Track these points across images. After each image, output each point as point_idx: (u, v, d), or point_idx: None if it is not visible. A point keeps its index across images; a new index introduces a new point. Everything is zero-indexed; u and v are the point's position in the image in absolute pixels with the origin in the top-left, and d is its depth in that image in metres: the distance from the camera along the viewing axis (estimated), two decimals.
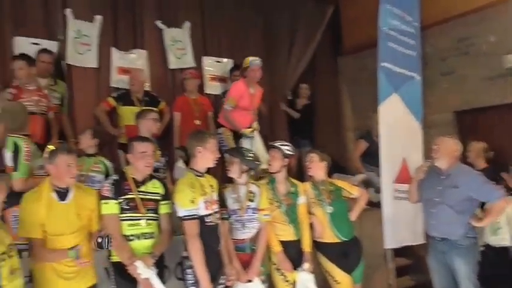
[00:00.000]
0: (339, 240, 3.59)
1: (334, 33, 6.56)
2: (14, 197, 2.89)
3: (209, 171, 3.14)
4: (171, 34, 5.27)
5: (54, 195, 2.72)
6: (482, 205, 3.58)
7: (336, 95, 6.63)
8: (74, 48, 4.68)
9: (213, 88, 5.48)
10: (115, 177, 2.99)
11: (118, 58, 4.93)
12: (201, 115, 4.92)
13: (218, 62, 5.58)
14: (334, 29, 6.51)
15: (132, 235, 2.87)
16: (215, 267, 2.96)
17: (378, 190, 4.54)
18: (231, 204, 3.27)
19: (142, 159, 2.92)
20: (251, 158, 3.31)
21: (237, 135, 4.49)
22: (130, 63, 4.97)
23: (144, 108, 4.29)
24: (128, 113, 4.49)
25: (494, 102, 4.92)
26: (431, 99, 5.19)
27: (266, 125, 5.47)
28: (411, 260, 5.04)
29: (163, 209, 3.01)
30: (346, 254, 3.58)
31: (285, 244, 3.44)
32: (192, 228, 2.87)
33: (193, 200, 2.88)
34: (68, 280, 2.68)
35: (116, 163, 4.10)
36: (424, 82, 4.90)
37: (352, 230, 3.70)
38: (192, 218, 2.87)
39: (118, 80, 4.88)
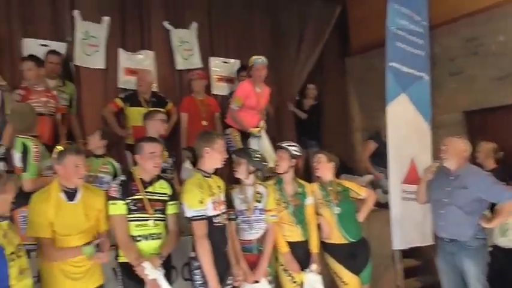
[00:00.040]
0: (346, 241, 3.57)
1: (342, 33, 6.54)
2: (22, 198, 2.91)
3: (216, 171, 3.14)
4: (178, 35, 5.29)
5: (63, 196, 2.73)
6: (492, 206, 3.54)
7: (344, 95, 6.60)
8: (82, 50, 4.71)
9: (220, 89, 5.48)
10: (122, 177, 2.98)
11: (125, 59, 4.95)
12: (208, 116, 4.93)
13: (225, 62, 5.58)
14: (341, 29, 6.48)
15: (139, 236, 2.86)
16: (223, 268, 2.95)
17: (385, 191, 4.52)
18: (238, 205, 3.27)
19: (151, 160, 2.91)
20: (258, 159, 3.31)
21: (245, 136, 4.49)
22: (137, 64, 4.99)
23: (152, 109, 4.30)
24: (135, 114, 4.51)
25: (503, 102, 4.87)
26: (440, 100, 5.15)
27: (273, 125, 5.47)
28: (419, 261, 5.01)
29: (171, 209, 3.01)
30: (354, 255, 3.56)
31: (292, 245, 3.43)
32: (200, 229, 2.87)
33: (201, 200, 2.88)
34: (76, 280, 2.69)
35: (123, 164, 4.11)
36: (432, 82, 4.86)
37: (360, 231, 3.68)
38: (200, 218, 2.87)
39: (125, 81, 4.91)
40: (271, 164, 3.72)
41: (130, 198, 2.86)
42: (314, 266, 3.42)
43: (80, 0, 4.76)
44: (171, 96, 4.98)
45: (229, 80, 5.53)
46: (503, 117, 4.98)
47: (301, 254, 3.44)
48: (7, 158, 3.40)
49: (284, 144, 3.63)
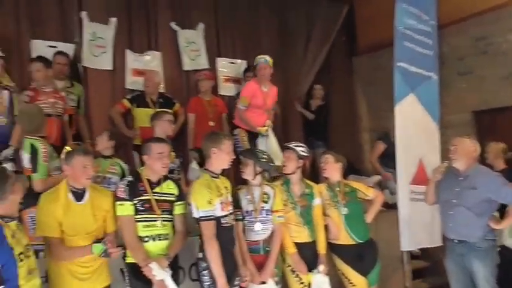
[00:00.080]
0: (354, 242, 3.55)
1: (349, 33, 6.52)
2: (30, 198, 2.93)
3: (223, 172, 3.14)
4: (185, 35, 5.29)
5: (71, 196, 2.74)
6: (502, 207, 3.50)
7: (351, 95, 6.58)
8: (90, 51, 4.73)
9: (227, 89, 5.48)
10: (130, 178, 2.98)
11: (133, 60, 4.97)
12: (215, 116, 4.93)
13: (232, 63, 5.58)
14: (348, 29, 6.46)
15: (147, 236, 2.86)
16: (230, 269, 2.95)
17: (393, 192, 4.49)
18: (245, 205, 3.25)
19: (159, 160, 2.91)
20: (265, 160, 3.29)
21: (253, 137, 4.48)
22: (144, 65, 5.00)
23: (159, 109, 4.31)
24: (142, 115, 4.53)
25: None
26: (449, 99, 5.12)
27: (281, 126, 5.46)
28: (428, 263, 4.97)
29: (178, 210, 3.00)
30: (361, 256, 3.54)
31: (299, 246, 3.41)
32: (209, 229, 2.87)
33: (210, 200, 2.87)
34: (83, 281, 2.70)
35: (130, 165, 4.12)
36: (441, 82, 4.83)
37: (368, 231, 3.66)
38: (209, 218, 2.87)
39: (133, 82, 4.93)
40: (278, 163, 3.71)
41: (137, 198, 2.86)
42: (321, 267, 3.40)
43: (87, 1, 4.78)
44: (178, 96, 4.99)
45: (236, 81, 5.53)
46: None
47: (308, 255, 3.42)
48: (15, 159, 3.42)
49: (291, 145, 3.62)
